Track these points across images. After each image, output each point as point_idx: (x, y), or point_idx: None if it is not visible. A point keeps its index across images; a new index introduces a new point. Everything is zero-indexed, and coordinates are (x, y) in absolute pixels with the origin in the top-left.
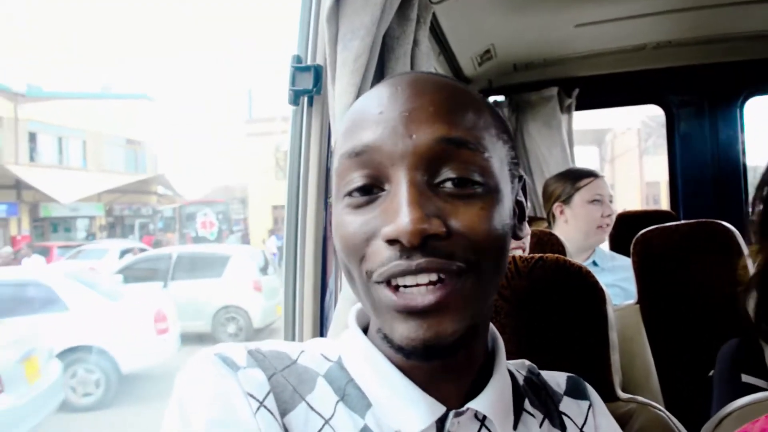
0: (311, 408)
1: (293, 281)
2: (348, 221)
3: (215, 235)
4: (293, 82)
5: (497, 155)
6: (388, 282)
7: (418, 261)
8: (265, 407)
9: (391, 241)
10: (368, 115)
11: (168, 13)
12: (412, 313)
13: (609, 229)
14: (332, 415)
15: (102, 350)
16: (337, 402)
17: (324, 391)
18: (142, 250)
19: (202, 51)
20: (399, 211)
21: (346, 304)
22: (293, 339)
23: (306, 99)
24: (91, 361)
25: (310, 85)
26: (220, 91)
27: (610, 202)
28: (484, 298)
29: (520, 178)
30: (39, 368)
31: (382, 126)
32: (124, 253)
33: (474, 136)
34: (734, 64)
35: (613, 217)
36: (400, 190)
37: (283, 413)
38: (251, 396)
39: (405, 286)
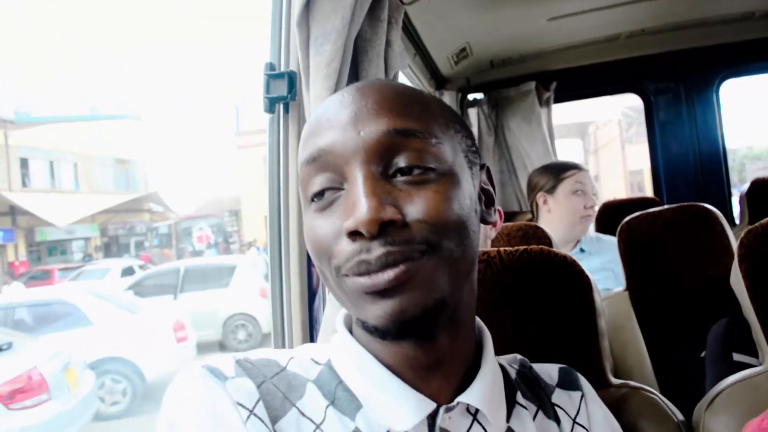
0: (302, 414)
1: (279, 288)
2: (316, 225)
3: (211, 248)
4: (267, 90)
5: (448, 142)
6: (355, 274)
7: (378, 253)
8: (256, 415)
9: (353, 235)
10: (321, 123)
11: (149, 31)
12: (379, 293)
13: (592, 220)
14: (323, 420)
15: (127, 360)
16: (328, 406)
17: (314, 396)
18: (142, 267)
19: (187, 67)
20: (356, 204)
21: (334, 309)
22: (283, 346)
23: (281, 106)
24: (118, 371)
25: (284, 92)
26: (207, 107)
27: (594, 195)
28: (450, 276)
29: (482, 166)
30: (77, 378)
31: (332, 130)
32: (125, 271)
33: (421, 125)
34: (708, 49)
35: (596, 209)
36: (356, 184)
37: (274, 420)
38: (241, 405)
39: (367, 276)
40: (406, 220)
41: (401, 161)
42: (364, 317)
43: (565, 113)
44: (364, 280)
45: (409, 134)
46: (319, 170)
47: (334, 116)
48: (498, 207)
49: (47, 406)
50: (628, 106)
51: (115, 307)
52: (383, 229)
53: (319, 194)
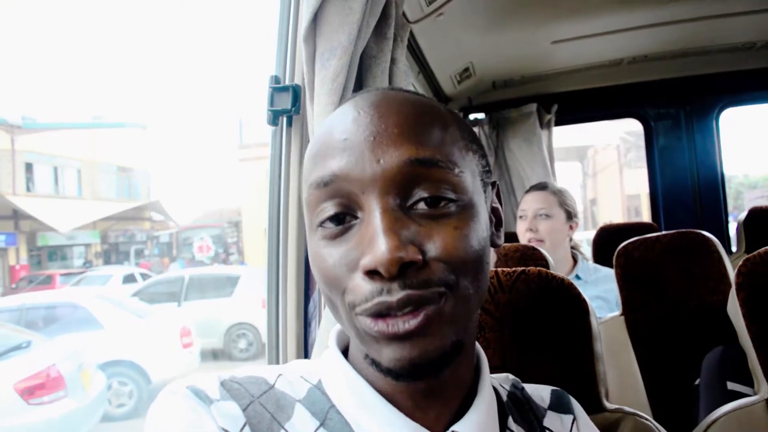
0: None
1: (276, 301)
2: (325, 254)
3: (211, 259)
4: (271, 103)
5: (468, 169)
6: (367, 312)
7: (399, 296)
8: None
9: (370, 273)
10: (333, 142)
11: (155, 40)
12: (397, 337)
13: (545, 245)
14: None
15: (134, 364)
16: (317, 429)
17: (302, 418)
18: (143, 275)
19: (192, 78)
20: (375, 240)
21: (329, 325)
22: (277, 361)
23: (285, 119)
24: (125, 373)
25: (288, 105)
26: (211, 118)
27: (546, 216)
28: (466, 315)
29: (493, 184)
30: (91, 378)
31: (347, 153)
32: (126, 278)
33: (443, 154)
34: (709, 77)
35: (541, 233)
36: (373, 217)
37: None
38: (226, 431)
39: (384, 318)
40: (425, 259)
41: (422, 192)
42: (377, 358)
43: (564, 136)
44: (382, 326)
45: (432, 164)
46: (330, 196)
47: (350, 137)
48: None
49: (64, 403)
50: (626, 131)
51: (124, 311)
52: (403, 269)
53: (329, 220)
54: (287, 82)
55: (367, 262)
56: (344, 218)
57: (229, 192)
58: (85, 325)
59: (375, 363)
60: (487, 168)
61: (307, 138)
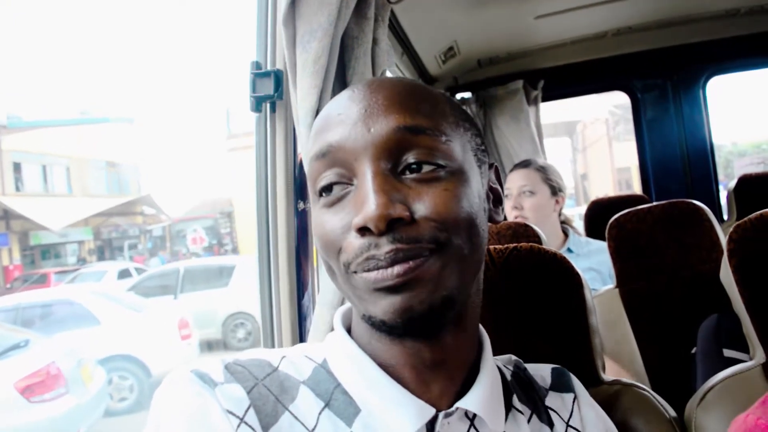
0: (295, 418)
1: (268, 288)
2: (325, 219)
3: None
4: (254, 89)
5: (458, 140)
6: (363, 269)
7: (386, 249)
8: (246, 423)
9: (362, 231)
10: (331, 118)
11: (138, 33)
12: (388, 289)
13: (530, 221)
14: (315, 425)
15: (134, 357)
16: (322, 409)
17: (307, 400)
18: (139, 269)
19: (177, 69)
20: (366, 200)
21: (324, 309)
22: (272, 346)
23: (268, 105)
24: (125, 368)
25: (271, 91)
26: (198, 109)
27: (530, 193)
28: (458, 273)
29: (491, 165)
30: (90, 374)
31: (342, 125)
32: (121, 273)
33: (431, 123)
34: (694, 46)
35: (526, 210)
36: (365, 180)
37: (266, 427)
38: (231, 413)
39: (377, 271)
40: (414, 218)
41: (411, 158)
42: (372, 312)
43: (553, 112)
44: (373, 275)
45: (419, 131)
46: (328, 165)
47: (345, 111)
48: None
49: (65, 400)
50: (614, 104)
51: (120, 306)
52: (391, 225)
53: (328, 189)
54: (269, 68)
55: (357, 219)
56: (341, 186)
57: (220, 182)
58: (82, 321)
59: (372, 320)
60: (482, 147)
61: (291, 122)
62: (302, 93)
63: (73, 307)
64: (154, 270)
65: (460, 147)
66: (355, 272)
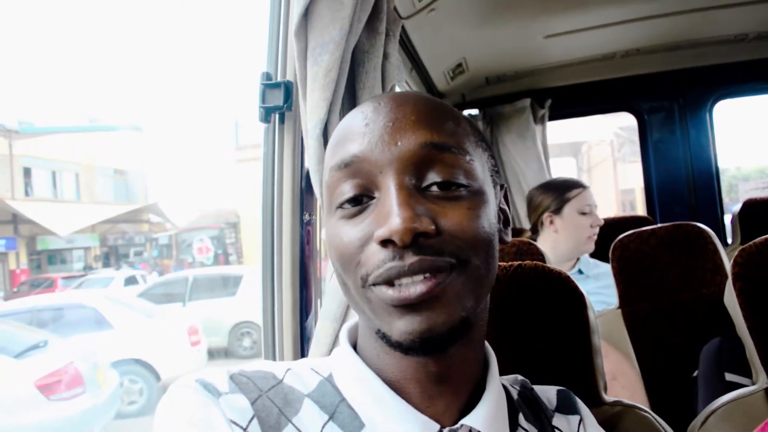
0: (299, 430)
1: (271, 300)
2: (342, 232)
3: (211, 260)
4: (263, 100)
5: (479, 160)
6: (383, 283)
7: (411, 261)
8: (243, 430)
9: (384, 243)
10: (354, 128)
11: (150, 41)
12: (407, 307)
13: (595, 239)
14: None
15: (144, 362)
16: (326, 422)
17: (311, 412)
18: (144, 276)
19: (187, 79)
20: (390, 213)
21: (327, 322)
22: (273, 357)
23: (277, 116)
24: (136, 372)
25: (280, 102)
26: (207, 119)
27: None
28: (475, 294)
29: (502, 186)
30: (105, 376)
31: (368, 137)
32: (128, 280)
33: (456, 141)
34: (702, 69)
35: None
36: (389, 194)
37: None
38: (234, 423)
39: (400, 286)
40: (438, 231)
41: (435, 176)
42: (388, 331)
43: (559, 133)
44: (393, 292)
45: (445, 149)
46: (349, 177)
47: (371, 123)
48: None
49: (82, 399)
50: (620, 126)
51: (132, 311)
52: (416, 239)
53: (349, 201)
54: (279, 79)
55: (382, 231)
56: (362, 199)
57: (226, 193)
58: (95, 325)
59: (385, 337)
60: (496, 168)
61: (300, 134)
62: (312, 105)
63: (86, 311)
64: (163, 278)
65: (480, 167)
66: (374, 285)
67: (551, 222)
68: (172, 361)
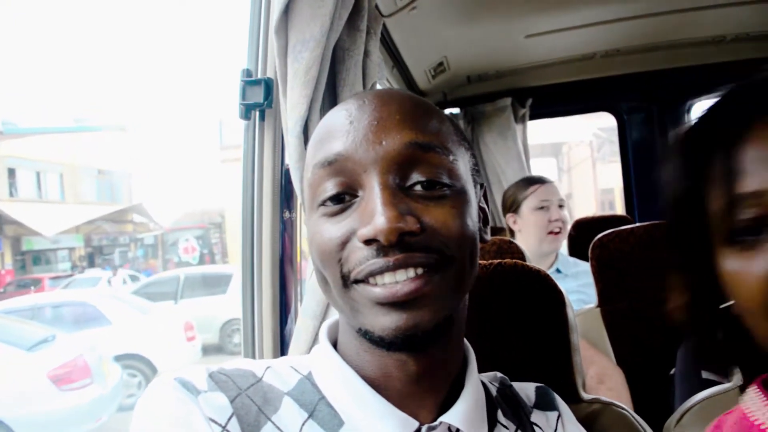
0: (278, 428)
1: (251, 299)
2: (324, 229)
3: (197, 260)
4: (243, 96)
5: (461, 159)
6: (366, 280)
7: (396, 257)
8: (222, 429)
9: (368, 242)
10: (338, 126)
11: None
12: (393, 305)
13: (563, 235)
14: None
15: (142, 357)
16: (305, 420)
17: (290, 411)
18: (132, 276)
19: (172, 79)
20: (375, 213)
21: (307, 320)
22: (253, 355)
23: (257, 113)
24: (134, 366)
25: (261, 99)
26: (192, 120)
27: (560, 207)
28: (459, 291)
29: (482, 185)
30: (109, 368)
31: (352, 135)
32: (117, 280)
33: (440, 141)
34: (680, 70)
35: (565, 223)
36: (374, 193)
37: None
38: (213, 421)
39: (384, 284)
40: (423, 230)
41: (419, 175)
42: (370, 327)
43: (539, 133)
44: (379, 290)
45: (429, 149)
46: (333, 175)
47: (355, 121)
48: None
49: (90, 389)
50: (599, 127)
51: (129, 308)
52: (401, 238)
53: (332, 199)
54: (259, 76)
55: (366, 231)
56: (344, 197)
57: (211, 193)
58: (94, 321)
59: (368, 334)
60: (477, 167)
61: (280, 131)
62: (292, 102)
63: (86, 308)
64: (155, 276)
65: (463, 166)
66: (356, 282)
67: (514, 222)
68: (169, 356)
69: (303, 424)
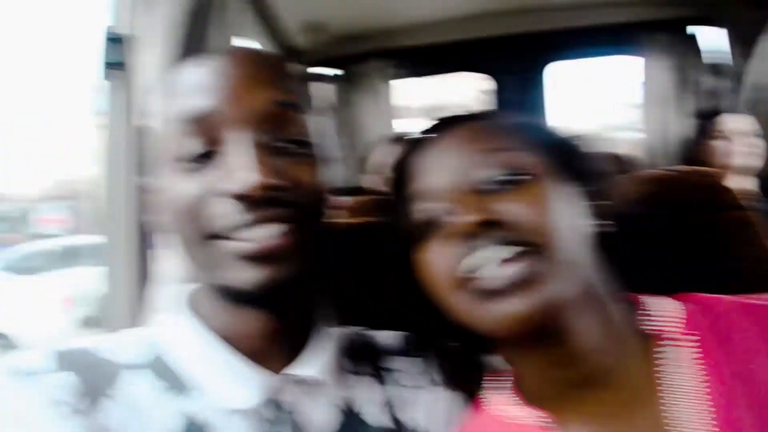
0: (127, 402)
1: (112, 267)
2: (182, 186)
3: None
4: (102, 55)
5: (322, 118)
6: (228, 236)
7: (260, 212)
8: (73, 409)
9: (235, 198)
10: (202, 82)
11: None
12: (255, 258)
13: None
14: (152, 405)
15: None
16: (158, 390)
17: (138, 382)
18: None
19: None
20: (239, 169)
21: (163, 286)
22: (114, 328)
23: (116, 72)
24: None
25: (119, 58)
26: (59, 80)
27: None
28: (311, 245)
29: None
30: None
31: (216, 92)
32: None
33: (298, 99)
34: (536, 34)
35: None
36: (237, 150)
37: (93, 411)
38: (56, 402)
39: (248, 239)
40: (287, 186)
41: (281, 133)
42: (231, 281)
43: (418, 95)
44: (242, 245)
45: (291, 107)
46: (194, 131)
47: (218, 78)
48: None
49: None
50: (482, 89)
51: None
52: (266, 194)
53: (190, 155)
54: (117, 33)
55: (232, 186)
56: (205, 153)
57: (85, 161)
58: None
59: (226, 289)
60: (338, 126)
61: (136, 90)
62: (152, 59)
63: None
64: (29, 249)
65: (323, 125)
66: (217, 238)
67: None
68: (43, 332)
69: (151, 393)
